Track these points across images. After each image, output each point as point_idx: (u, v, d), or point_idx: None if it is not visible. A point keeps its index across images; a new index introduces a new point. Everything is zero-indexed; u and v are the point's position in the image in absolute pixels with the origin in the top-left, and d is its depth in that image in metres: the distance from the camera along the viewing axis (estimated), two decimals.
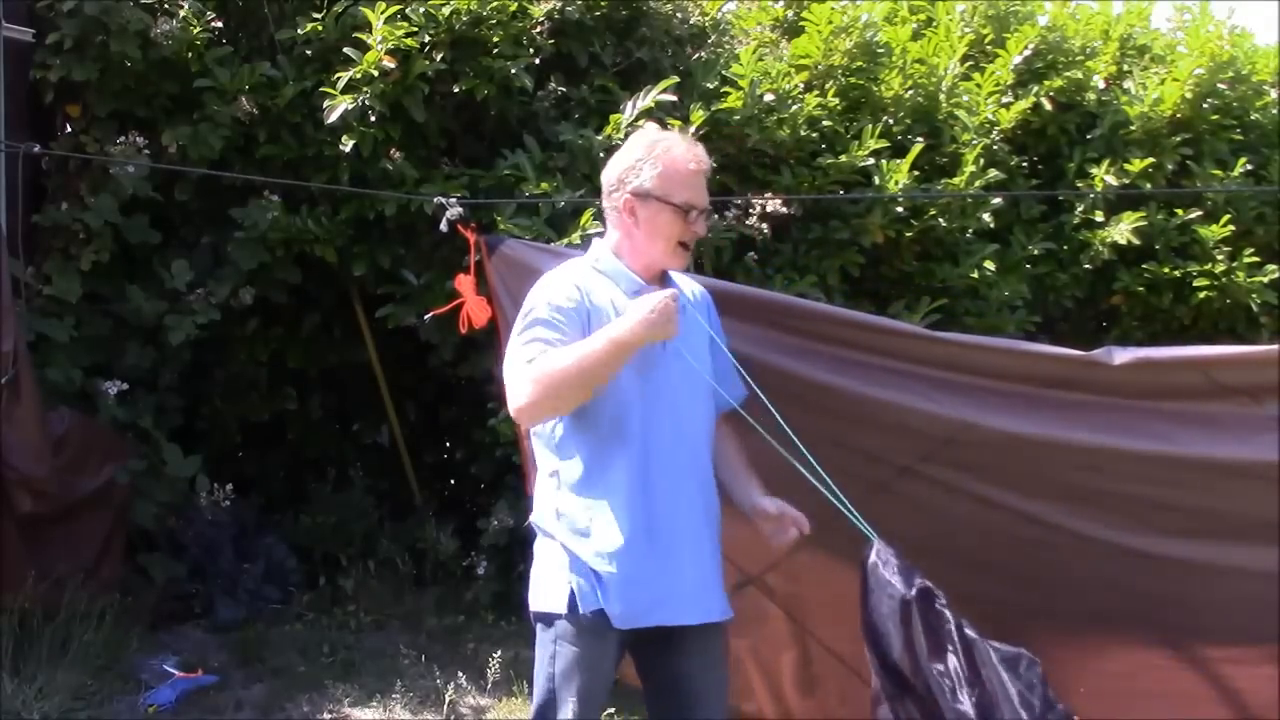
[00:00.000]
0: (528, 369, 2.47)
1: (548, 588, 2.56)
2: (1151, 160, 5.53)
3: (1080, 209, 5.58)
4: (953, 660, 2.44)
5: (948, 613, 2.46)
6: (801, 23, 5.47)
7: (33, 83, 4.87)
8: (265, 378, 5.57)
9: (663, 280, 2.67)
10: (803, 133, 5.01)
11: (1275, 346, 2.78)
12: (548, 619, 2.55)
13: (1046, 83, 5.76)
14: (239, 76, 4.80)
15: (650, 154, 2.61)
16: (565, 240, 4.39)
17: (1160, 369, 2.79)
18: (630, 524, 2.52)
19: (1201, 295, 5.51)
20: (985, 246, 5.21)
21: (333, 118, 4.66)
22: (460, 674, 4.34)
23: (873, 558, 2.53)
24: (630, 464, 2.53)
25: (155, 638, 4.62)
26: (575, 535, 2.54)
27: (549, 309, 2.53)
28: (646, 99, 4.70)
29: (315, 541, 5.35)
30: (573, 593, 2.50)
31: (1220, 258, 5.50)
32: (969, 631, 2.45)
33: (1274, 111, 6.03)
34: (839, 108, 5.21)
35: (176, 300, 4.84)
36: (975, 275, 5.13)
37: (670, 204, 2.58)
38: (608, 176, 2.67)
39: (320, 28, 4.85)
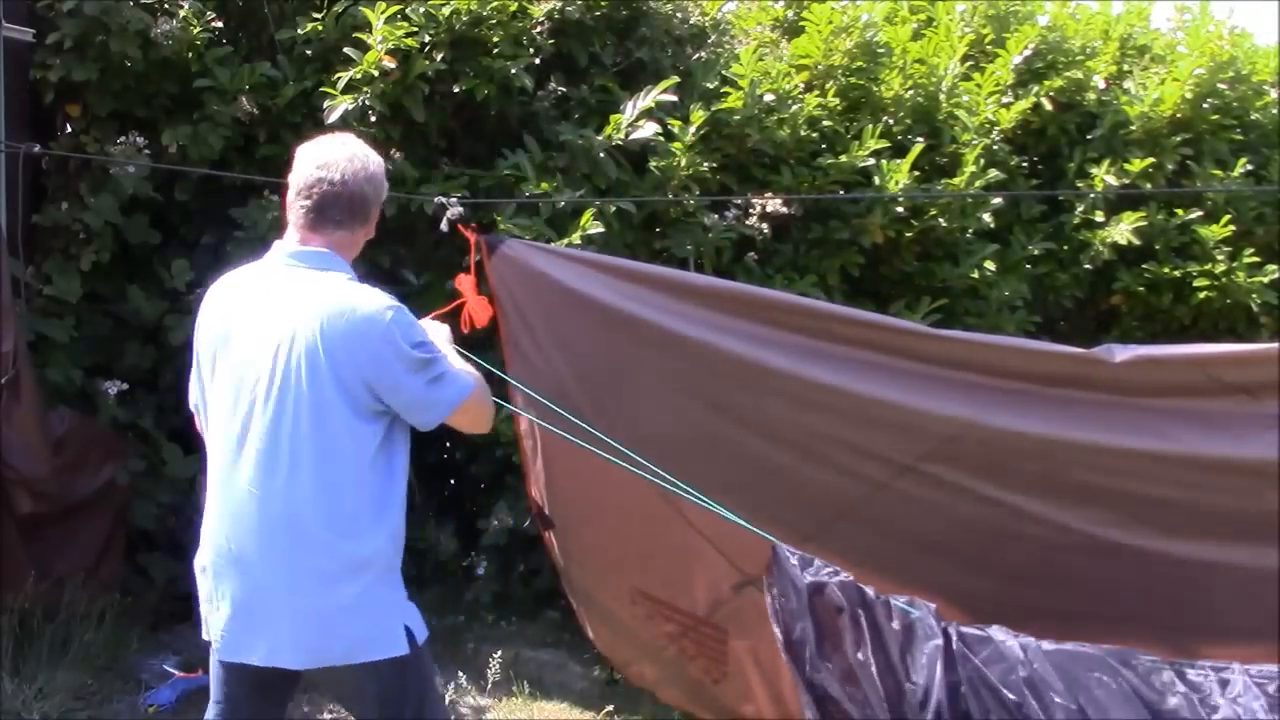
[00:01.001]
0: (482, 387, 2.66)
1: (389, 629, 2.47)
2: (1151, 160, 5.53)
3: (1080, 209, 5.57)
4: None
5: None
6: (801, 23, 5.47)
7: (33, 83, 4.85)
8: None
9: None
10: (803, 133, 5.01)
11: (1275, 345, 2.78)
12: (403, 660, 2.47)
13: (1046, 83, 5.76)
14: (239, 76, 4.79)
15: (380, 167, 2.64)
16: (565, 240, 4.40)
17: (1160, 367, 2.80)
18: None
19: (1201, 295, 5.50)
20: (985, 246, 5.20)
21: (333, 118, 4.65)
22: (460, 674, 4.33)
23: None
24: None
25: (155, 638, 4.61)
26: (396, 560, 2.55)
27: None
28: (646, 99, 4.70)
29: None
30: (409, 629, 2.49)
31: (1220, 258, 5.49)
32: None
33: (1274, 111, 6.03)
34: (839, 108, 5.21)
35: (176, 300, 4.83)
36: (975, 275, 5.13)
37: None
38: (372, 186, 2.62)
39: (320, 28, 4.84)
